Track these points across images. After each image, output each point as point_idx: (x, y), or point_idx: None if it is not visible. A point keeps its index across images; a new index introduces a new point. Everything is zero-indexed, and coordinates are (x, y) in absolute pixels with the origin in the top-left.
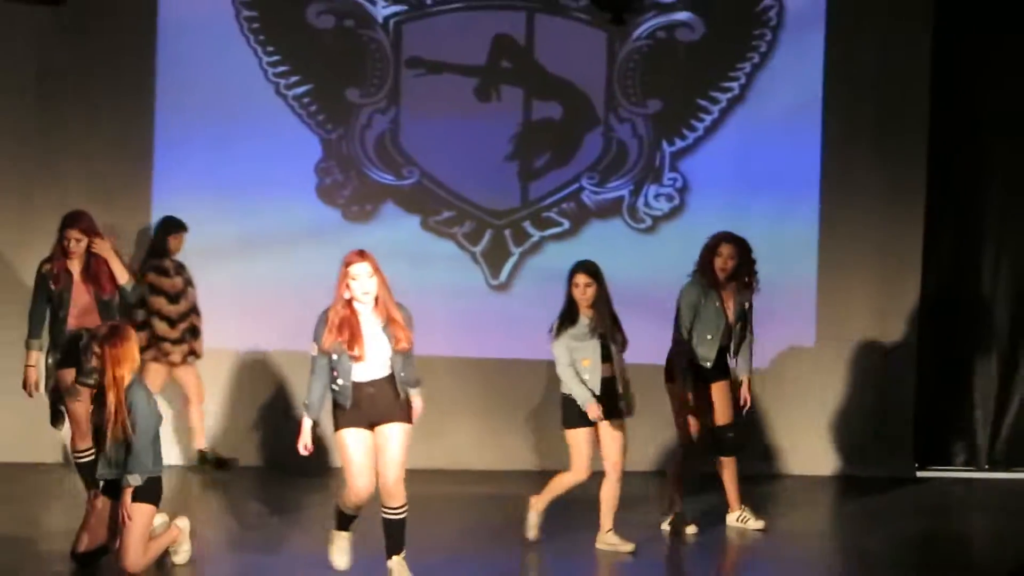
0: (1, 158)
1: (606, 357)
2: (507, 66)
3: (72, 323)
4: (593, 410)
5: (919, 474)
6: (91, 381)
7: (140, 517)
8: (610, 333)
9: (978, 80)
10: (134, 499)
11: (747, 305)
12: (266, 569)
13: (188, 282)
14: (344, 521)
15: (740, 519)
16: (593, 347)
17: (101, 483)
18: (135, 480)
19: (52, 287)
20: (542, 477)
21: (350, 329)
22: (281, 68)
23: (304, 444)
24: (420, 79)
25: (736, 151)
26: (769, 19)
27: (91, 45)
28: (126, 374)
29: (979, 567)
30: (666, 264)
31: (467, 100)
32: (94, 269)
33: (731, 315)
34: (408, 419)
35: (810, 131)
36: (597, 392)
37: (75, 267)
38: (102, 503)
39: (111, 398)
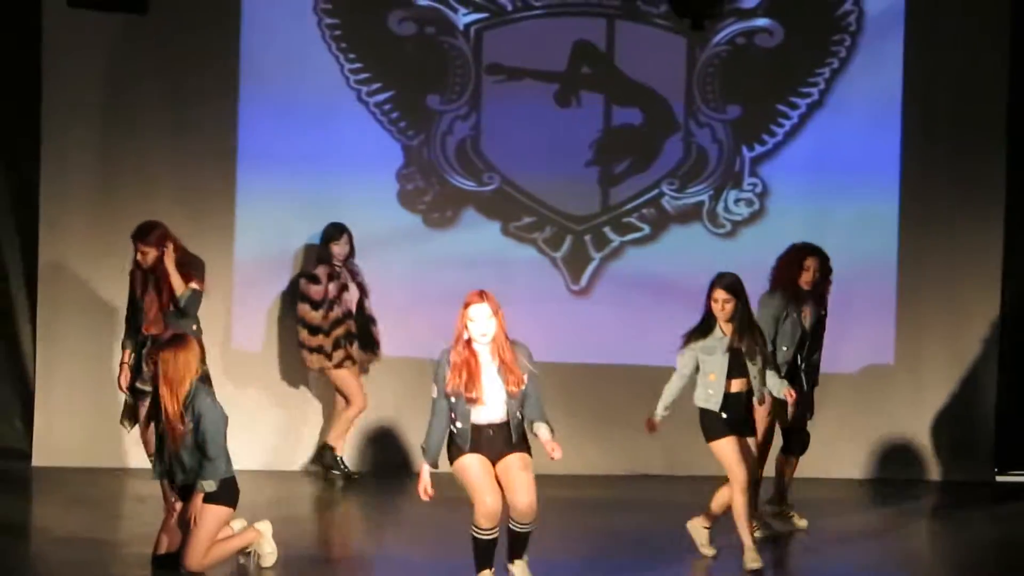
0: (87, 168)
1: (739, 373)
2: (587, 72)
3: (145, 330)
4: (648, 426)
5: (999, 479)
6: (147, 388)
7: (210, 518)
8: (749, 349)
9: None
10: (207, 500)
11: (823, 314)
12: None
13: (344, 288)
14: (483, 556)
15: (782, 514)
16: (721, 362)
17: (177, 487)
18: (209, 486)
19: (133, 293)
20: (621, 481)
21: (468, 371)
22: (363, 75)
23: (424, 488)
24: (500, 85)
25: (816, 156)
26: (848, 24)
27: (173, 53)
28: (182, 383)
29: None
30: (746, 269)
31: (547, 106)
32: (161, 280)
33: (808, 327)
34: (527, 450)
35: (889, 136)
36: (716, 408)
37: (147, 277)
38: (180, 506)
39: (167, 406)
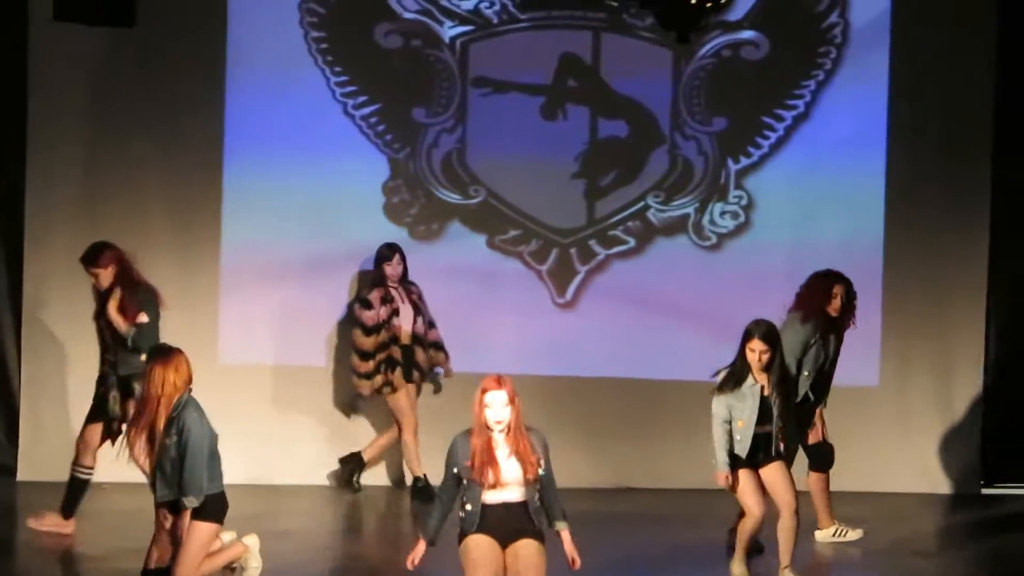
0: (73, 180)
1: (767, 419)
2: (573, 85)
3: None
4: (720, 479)
5: (984, 491)
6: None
7: (197, 534)
8: (775, 394)
9: None
10: (194, 516)
11: (842, 337)
12: None
13: (394, 312)
14: None
15: (837, 534)
16: (751, 408)
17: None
18: (191, 503)
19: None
20: (605, 495)
21: (487, 457)
22: (349, 88)
23: (412, 560)
24: (486, 98)
25: (801, 169)
26: (834, 37)
27: (160, 66)
28: (165, 397)
29: None
30: (732, 281)
31: (533, 119)
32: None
33: (830, 352)
34: (542, 538)
35: (875, 148)
36: (744, 454)
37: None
38: (170, 520)
39: (152, 419)
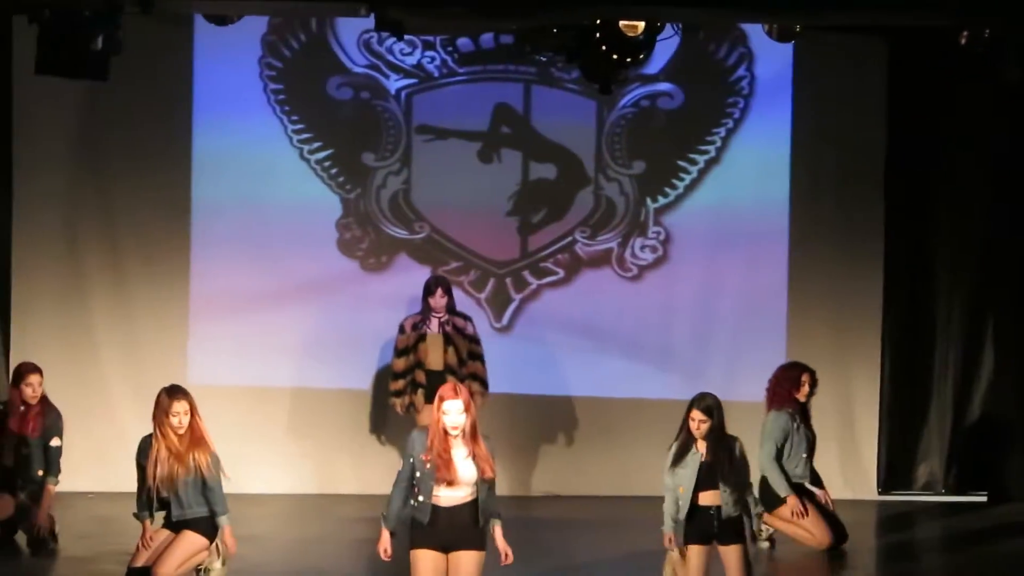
0: (57, 222)
1: (709, 486)
2: (507, 131)
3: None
4: (667, 540)
5: (881, 498)
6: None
7: (190, 541)
8: (721, 465)
9: (928, 142)
10: (194, 529)
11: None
12: None
13: (421, 338)
14: None
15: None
16: (691, 475)
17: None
18: (224, 521)
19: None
20: (550, 502)
21: (444, 453)
22: (304, 135)
23: (384, 549)
24: (429, 144)
25: (713, 207)
26: (741, 88)
27: (133, 114)
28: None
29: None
30: (650, 308)
31: (471, 162)
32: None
33: (813, 430)
34: (483, 546)
35: (779, 188)
36: (681, 518)
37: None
38: (154, 531)
39: (185, 448)
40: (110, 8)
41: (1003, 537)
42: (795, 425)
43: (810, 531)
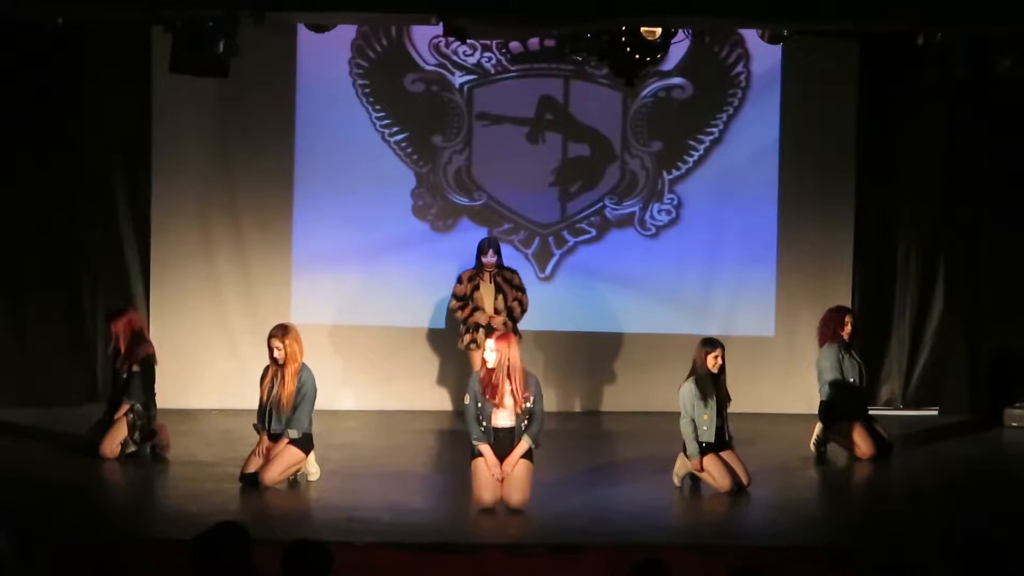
0: (193, 198)
1: (722, 409)
2: (549, 118)
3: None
4: (696, 464)
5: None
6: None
7: (290, 454)
8: (724, 392)
9: (892, 123)
10: (292, 443)
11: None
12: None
13: (476, 288)
14: None
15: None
16: (714, 407)
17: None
18: (293, 434)
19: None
20: (588, 416)
21: (492, 384)
22: (385, 121)
23: (494, 465)
24: (486, 128)
25: (716, 179)
26: (740, 81)
27: (248, 106)
28: (295, 360)
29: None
30: (666, 260)
31: (520, 143)
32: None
33: (859, 360)
34: (529, 459)
35: (770, 163)
36: (712, 440)
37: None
38: (268, 444)
39: (286, 378)
40: (230, 19)
41: (950, 441)
42: (842, 356)
43: (858, 444)
